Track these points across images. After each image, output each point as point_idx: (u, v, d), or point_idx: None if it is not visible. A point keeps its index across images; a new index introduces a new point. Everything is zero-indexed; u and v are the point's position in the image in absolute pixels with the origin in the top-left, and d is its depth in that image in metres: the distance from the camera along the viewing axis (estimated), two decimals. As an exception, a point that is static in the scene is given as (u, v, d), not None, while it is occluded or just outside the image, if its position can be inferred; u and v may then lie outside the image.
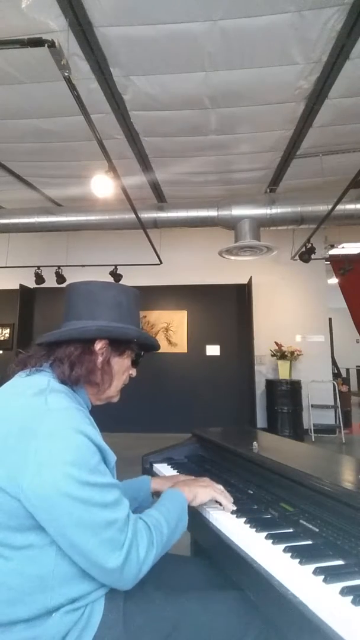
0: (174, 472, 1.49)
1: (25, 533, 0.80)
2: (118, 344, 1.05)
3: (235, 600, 0.94)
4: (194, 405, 6.46)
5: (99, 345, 1.01)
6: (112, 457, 0.92)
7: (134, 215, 4.78)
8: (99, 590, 0.85)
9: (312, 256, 5.44)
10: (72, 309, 1.06)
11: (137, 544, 0.82)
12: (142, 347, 1.13)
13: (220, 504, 1.09)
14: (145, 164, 4.60)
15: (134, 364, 1.12)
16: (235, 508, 1.08)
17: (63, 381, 0.95)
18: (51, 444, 0.80)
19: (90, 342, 1.00)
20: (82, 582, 0.82)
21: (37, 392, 0.88)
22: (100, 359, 1.01)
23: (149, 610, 0.88)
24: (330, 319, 7.04)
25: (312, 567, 0.80)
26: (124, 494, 1.19)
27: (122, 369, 1.08)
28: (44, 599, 0.79)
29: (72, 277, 6.16)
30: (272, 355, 6.33)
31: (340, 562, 0.83)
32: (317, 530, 0.96)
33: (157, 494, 1.30)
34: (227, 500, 1.07)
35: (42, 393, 0.88)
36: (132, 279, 6.11)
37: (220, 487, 1.13)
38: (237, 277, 6.62)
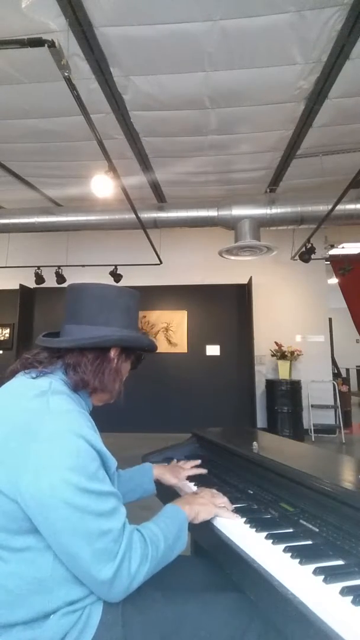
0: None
1: (23, 536, 0.80)
2: (128, 351, 1.06)
3: (235, 601, 0.94)
4: (194, 405, 6.46)
5: (113, 352, 1.02)
6: (113, 463, 0.92)
7: (134, 215, 4.78)
8: None
9: (312, 256, 5.43)
10: (85, 311, 1.04)
11: (130, 556, 0.81)
12: (144, 351, 1.14)
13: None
14: (145, 164, 4.60)
15: (133, 366, 1.13)
16: (238, 518, 1.06)
17: (77, 387, 0.95)
18: (51, 447, 0.79)
19: (106, 349, 1.01)
20: (81, 585, 0.82)
21: (38, 394, 0.88)
22: (114, 365, 1.02)
23: (148, 612, 0.87)
24: (330, 319, 7.04)
25: (312, 567, 0.80)
26: (127, 484, 1.21)
27: (126, 372, 1.10)
28: (42, 601, 0.79)
29: (72, 277, 6.17)
30: (272, 355, 6.33)
31: (340, 562, 0.83)
32: (317, 530, 0.96)
33: (157, 482, 1.32)
34: (228, 514, 1.06)
35: (44, 395, 0.87)
36: (132, 279, 6.10)
37: (223, 500, 1.11)
38: (237, 277, 6.62)
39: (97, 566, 0.77)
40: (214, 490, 1.16)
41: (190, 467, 1.41)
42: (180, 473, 1.34)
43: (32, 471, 0.77)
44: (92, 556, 0.77)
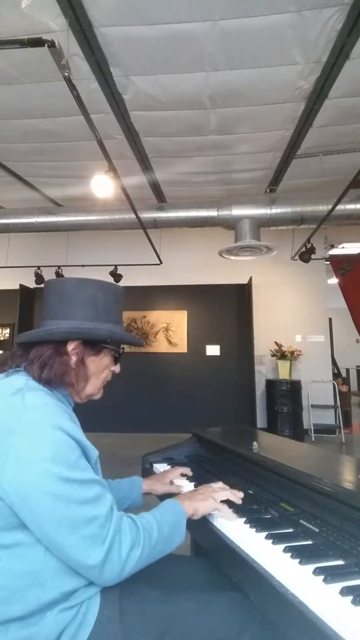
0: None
1: (12, 531, 0.80)
2: (92, 344, 1.03)
3: (233, 600, 0.94)
4: (194, 405, 6.46)
5: (71, 346, 1.00)
6: (94, 452, 0.92)
7: (134, 215, 4.78)
8: (93, 585, 0.85)
9: (312, 256, 5.44)
10: (47, 308, 1.05)
11: (120, 541, 0.82)
12: (122, 343, 1.11)
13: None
14: (145, 164, 4.60)
15: (116, 360, 1.10)
16: (236, 519, 1.05)
17: (39, 381, 0.95)
18: (30, 441, 0.80)
19: (62, 343, 0.99)
20: (74, 575, 0.82)
21: (14, 392, 0.88)
22: (73, 359, 1.00)
23: (146, 608, 0.88)
24: (330, 319, 7.04)
25: (312, 567, 0.80)
26: (116, 494, 1.21)
27: (100, 367, 1.06)
28: (37, 594, 0.80)
29: (72, 277, 6.16)
30: (272, 355, 6.33)
31: (340, 562, 0.83)
32: (317, 530, 0.96)
33: (148, 495, 1.32)
34: (227, 512, 1.05)
35: (20, 392, 0.88)
36: (132, 279, 6.11)
37: (224, 494, 1.10)
38: (237, 277, 6.62)
39: (84, 553, 0.78)
40: (219, 484, 1.15)
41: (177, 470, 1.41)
42: (167, 477, 1.35)
43: (13, 466, 0.78)
44: (80, 543, 0.78)
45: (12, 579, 0.79)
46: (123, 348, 1.12)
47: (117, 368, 1.11)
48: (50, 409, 0.87)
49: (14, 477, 0.78)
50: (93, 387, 1.06)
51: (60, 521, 0.77)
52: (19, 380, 0.93)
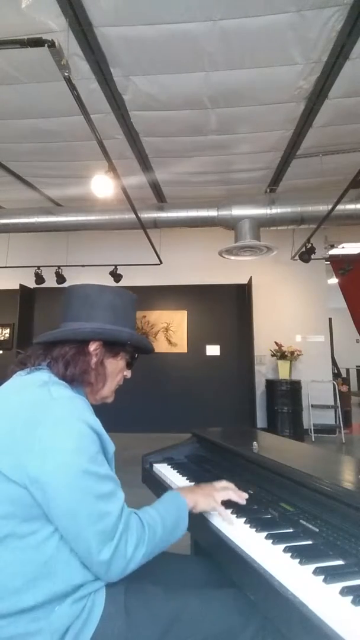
0: (174, 472, 1.49)
1: (31, 522, 0.82)
2: (112, 346, 1.07)
3: (235, 596, 0.95)
4: (194, 405, 6.46)
5: (93, 347, 1.04)
6: (111, 447, 0.95)
7: (134, 215, 4.78)
8: (99, 579, 0.86)
9: (312, 256, 5.44)
10: (69, 310, 1.09)
11: (127, 539, 0.84)
12: (136, 350, 1.15)
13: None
14: (145, 164, 4.60)
15: (129, 365, 1.14)
16: (234, 522, 1.03)
17: (61, 379, 0.98)
18: (55, 432, 0.83)
19: (85, 343, 1.03)
20: (83, 568, 0.84)
21: (41, 385, 0.92)
22: (94, 359, 1.04)
23: (150, 604, 0.89)
24: (330, 319, 7.04)
25: (312, 567, 0.80)
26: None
27: (116, 370, 1.10)
28: (48, 584, 0.81)
29: (72, 277, 6.17)
30: (272, 355, 6.33)
31: (340, 562, 0.83)
32: (317, 530, 0.96)
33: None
34: (225, 513, 1.04)
35: (46, 385, 0.92)
36: (132, 279, 6.10)
37: (225, 494, 1.08)
38: (237, 277, 6.62)
39: (96, 547, 0.80)
40: (223, 483, 1.12)
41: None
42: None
43: (38, 455, 0.81)
44: (92, 537, 0.80)
45: (25, 569, 0.81)
46: (137, 355, 1.16)
47: (128, 373, 1.16)
48: (75, 401, 0.90)
49: (37, 466, 0.80)
50: (108, 389, 1.10)
51: (75, 512, 0.80)
52: (43, 375, 0.96)
